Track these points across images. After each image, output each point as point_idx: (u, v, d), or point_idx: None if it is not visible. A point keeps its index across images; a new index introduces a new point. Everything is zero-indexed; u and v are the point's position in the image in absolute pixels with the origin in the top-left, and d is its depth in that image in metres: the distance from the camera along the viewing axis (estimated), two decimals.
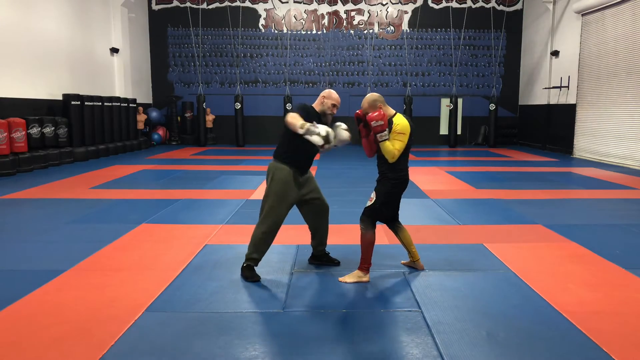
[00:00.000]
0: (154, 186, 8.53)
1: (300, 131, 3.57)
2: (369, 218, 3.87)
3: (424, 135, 17.51)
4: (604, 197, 7.60)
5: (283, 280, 3.91)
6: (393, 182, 3.83)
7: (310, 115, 3.82)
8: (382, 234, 5.09)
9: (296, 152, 3.85)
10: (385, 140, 3.73)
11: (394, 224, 4.11)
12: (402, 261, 4.30)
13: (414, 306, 3.43)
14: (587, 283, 3.88)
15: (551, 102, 15.46)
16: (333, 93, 4.00)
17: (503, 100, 17.50)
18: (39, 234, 5.29)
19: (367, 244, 3.85)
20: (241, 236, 5.03)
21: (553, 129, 15.32)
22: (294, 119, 3.63)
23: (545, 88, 15.56)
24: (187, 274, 4.03)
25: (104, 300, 3.47)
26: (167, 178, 9.34)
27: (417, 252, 4.17)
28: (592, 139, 13.27)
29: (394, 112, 3.87)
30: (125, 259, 4.44)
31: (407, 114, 16.42)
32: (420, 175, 9.59)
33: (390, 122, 3.78)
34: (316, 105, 3.99)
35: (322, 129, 3.56)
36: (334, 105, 3.96)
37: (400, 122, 3.75)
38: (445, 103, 17.48)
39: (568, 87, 14.34)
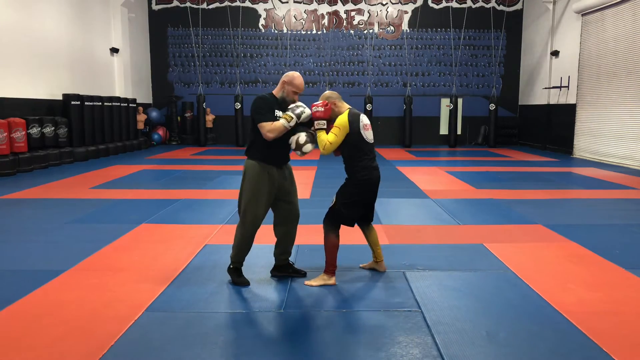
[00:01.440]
0: (154, 186, 8.53)
1: (292, 123, 3.55)
2: (329, 220, 3.79)
3: (424, 135, 17.53)
4: (604, 197, 7.60)
5: (283, 280, 3.91)
6: (353, 183, 3.75)
7: (272, 105, 3.66)
8: (382, 233, 5.09)
9: (266, 147, 3.67)
10: (321, 129, 3.68)
11: (365, 225, 4.01)
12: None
13: (414, 306, 3.43)
14: (587, 283, 3.88)
15: (551, 102, 15.46)
16: (296, 78, 3.71)
17: (503, 100, 17.49)
18: (39, 234, 5.28)
19: (330, 247, 3.77)
20: None
21: (553, 129, 15.31)
22: (270, 129, 3.55)
23: (545, 88, 15.56)
24: (187, 274, 4.03)
25: (104, 300, 3.47)
26: (167, 178, 9.34)
27: (382, 253, 4.09)
28: (592, 139, 13.26)
29: (347, 108, 3.74)
30: (125, 259, 4.43)
31: (407, 113, 16.44)
32: (420, 175, 9.60)
33: (335, 115, 3.70)
34: (276, 92, 3.75)
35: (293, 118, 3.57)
36: (295, 93, 3.72)
37: (341, 118, 3.65)
38: (445, 103, 17.47)
39: (568, 87, 14.34)
